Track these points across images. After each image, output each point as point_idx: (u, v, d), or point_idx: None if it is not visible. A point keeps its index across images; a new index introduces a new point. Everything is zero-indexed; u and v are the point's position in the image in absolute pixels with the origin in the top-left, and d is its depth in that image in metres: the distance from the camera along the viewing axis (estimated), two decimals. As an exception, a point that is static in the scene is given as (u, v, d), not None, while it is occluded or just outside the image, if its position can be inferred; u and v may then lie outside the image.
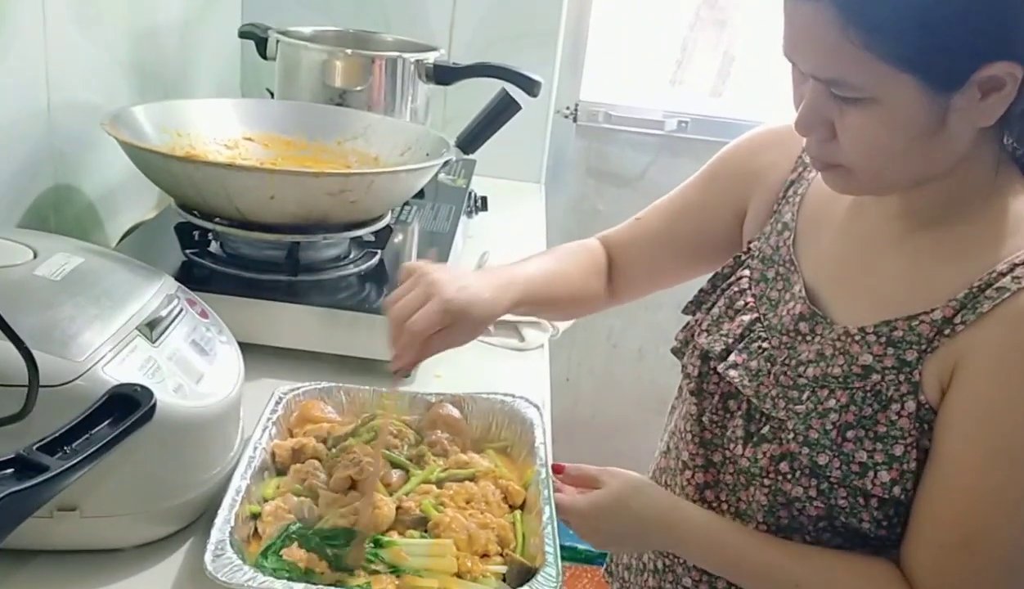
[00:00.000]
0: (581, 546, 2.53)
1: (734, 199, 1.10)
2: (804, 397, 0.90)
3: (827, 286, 0.96)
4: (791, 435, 0.90)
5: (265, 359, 1.17)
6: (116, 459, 0.75)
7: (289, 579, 0.77)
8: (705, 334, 1.03)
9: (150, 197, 1.62)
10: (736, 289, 1.03)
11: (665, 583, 1.06)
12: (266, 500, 0.89)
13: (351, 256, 1.33)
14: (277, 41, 1.66)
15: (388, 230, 1.35)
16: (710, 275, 1.09)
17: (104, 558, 0.84)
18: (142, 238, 1.37)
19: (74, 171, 1.39)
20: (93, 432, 0.71)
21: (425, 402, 1.06)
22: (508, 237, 1.77)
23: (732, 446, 0.97)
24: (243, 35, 1.72)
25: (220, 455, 0.90)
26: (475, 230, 1.74)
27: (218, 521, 0.81)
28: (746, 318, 1.00)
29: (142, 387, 0.75)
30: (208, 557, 0.77)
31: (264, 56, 1.69)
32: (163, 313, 0.89)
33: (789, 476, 0.90)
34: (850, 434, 0.87)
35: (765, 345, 0.97)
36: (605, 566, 1.25)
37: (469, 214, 1.72)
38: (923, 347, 0.85)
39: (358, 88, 1.63)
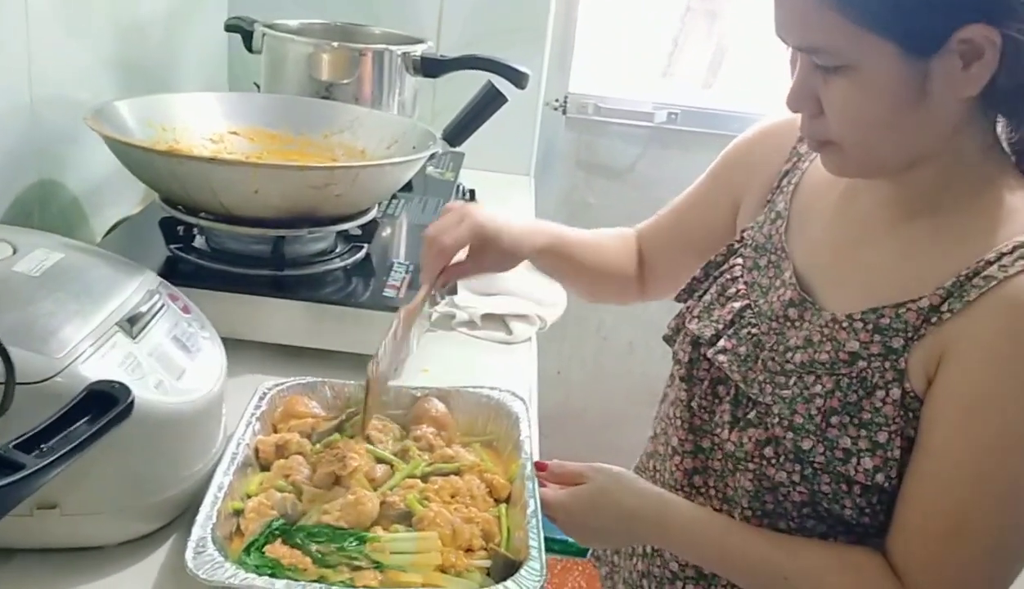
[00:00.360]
0: (584, 546, 2.53)
1: (733, 193, 1.12)
2: (790, 382, 0.91)
3: (817, 273, 0.96)
4: (776, 420, 0.90)
5: (250, 354, 1.16)
6: (96, 456, 0.74)
7: (271, 575, 0.77)
8: (696, 320, 1.03)
9: (135, 192, 1.61)
10: (728, 277, 1.04)
11: (653, 567, 1.06)
12: (249, 496, 0.88)
13: (337, 250, 1.32)
14: (263, 34, 1.65)
15: (374, 224, 1.35)
16: (703, 263, 1.10)
17: (85, 556, 0.84)
18: (127, 233, 1.37)
19: (58, 166, 1.38)
20: (70, 430, 0.71)
21: (410, 396, 1.05)
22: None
23: (719, 431, 0.97)
24: (229, 28, 1.70)
25: (202, 451, 0.90)
26: (463, 223, 1.73)
27: (200, 518, 0.81)
28: (737, 304, 1.00)
29: (120, 384, 0.75)
30: (189, 554, 0.76)
31: (250, 49, 1.68)
32: (144, 309, 0.88)
33: (773, 461, 0.91)
34: (834, 420, 0.87)
35: (755, 331, 0.97)
36: (591, 551, 1.25)
37: (457, 207, 1.72)
38: (909, 334, 0.85)
39: (345, 81, 1.62)
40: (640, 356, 2.60)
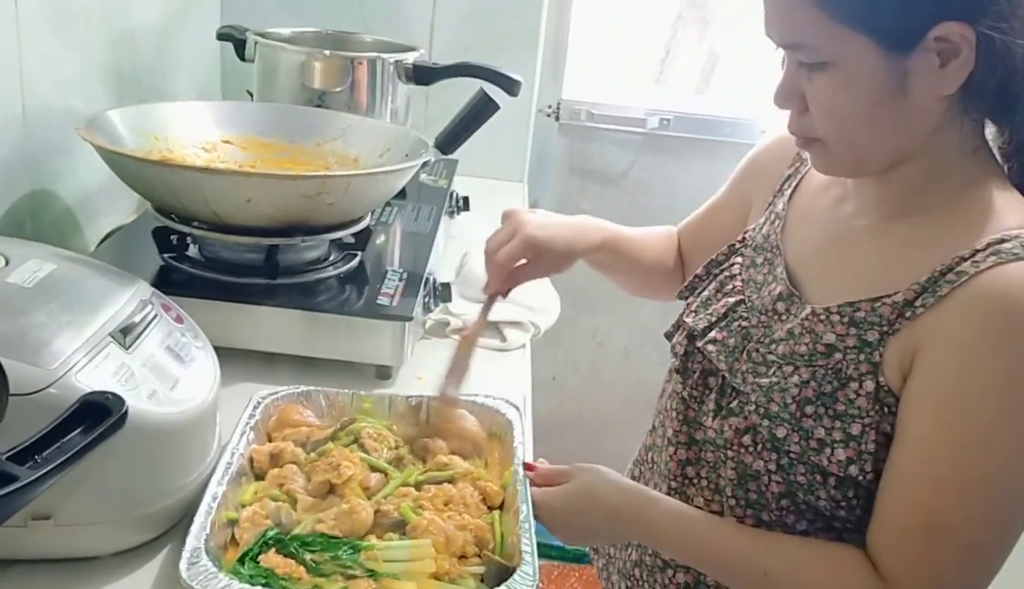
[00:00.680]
0: (570, 546, 2.53)
1: (746, 198, 1.15)
2: (770, 372, 0.93)
3: (806, 270, 0.99)
4: (753, 407, 0.93)
5: (244, 363, 1.16)
6: (90, 467, 0.74)
7: (265, 585, 0.77)
8: (694, 314, 1.07)
9: (129, 202, 1.61)
10: (727, 274, 1.07)
11: (645, 556, 1.08)
12: (244, 506, 0.88)
13: (331, 258, 1.33)
14: (255, 43, 1.65)
15: (368, 232, 1.35)
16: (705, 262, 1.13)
17: (80, 566, 0.84)
18: (120, 243, 1.37)
19: (51, 177, 1.38)
20: (64, 441, 0.71)
21: (401, 403, 1.05)
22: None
23: (705, 420, 1.00)
24: (221, 37, 1.71)
25: (196, 461, 0.90)
26: (457, 230, 1.74)
27: (194, 528, 0.81)
28: (732, 299, 1.03)
29: (114, 395, 0.75)
30: (183, 565, 0.76)
31: (243, 58, 1.68)
32: (137, 319, 0.88)
33: (751, 449, 0.93)
34: (809, 409, 0.89)
35: (745, 324, 1.00)
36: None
37: (451, 214, 1.72)
38: (884, 328, 0.86)
39: (337, 89, 1.62)
40: (635, 361, 2.60)
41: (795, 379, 0.90)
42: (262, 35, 1.67)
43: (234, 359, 1.11)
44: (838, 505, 0.89)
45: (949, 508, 0.82)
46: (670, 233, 1.30)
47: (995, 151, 0.91)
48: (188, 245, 1.28)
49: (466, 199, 1.80)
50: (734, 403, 0.96)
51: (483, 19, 2.09)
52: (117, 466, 0.80)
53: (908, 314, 0.85)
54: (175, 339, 0.92)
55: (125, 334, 0.86)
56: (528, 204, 2.11)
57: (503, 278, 1.12)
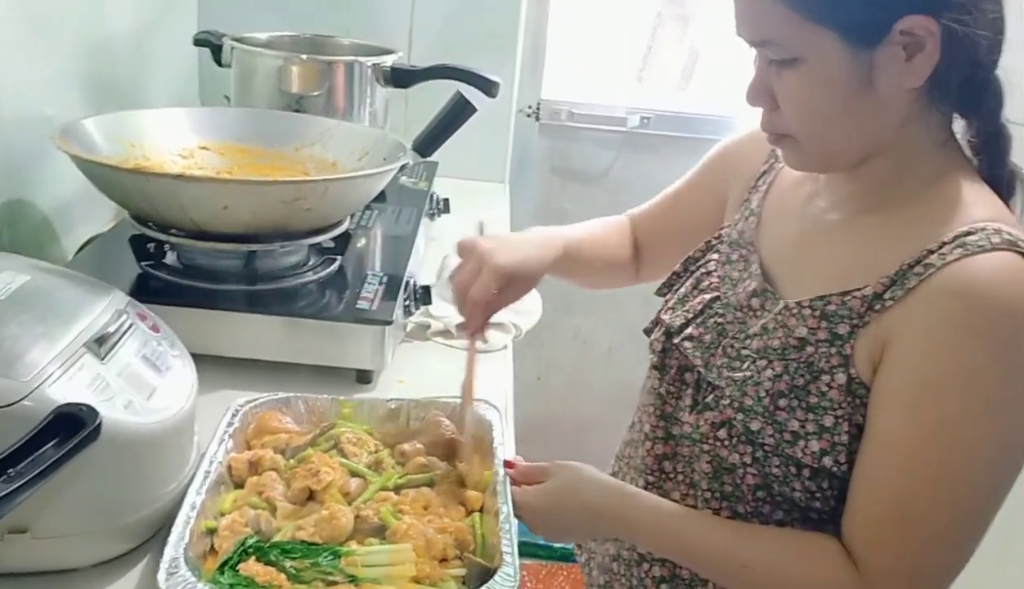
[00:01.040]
0: (558, 544, 2.53)
1: (715, 191, 1.16)
2: (744, 366, 0.94)
3: (780, 266, 1.00)
4: (727, 401, 0.93)
5: (224, 370, 1.16)
6: (66, 478, 0.74)
7: (244, 594, 0.77)
8: (671, 311, 1.07)
9: (106, 209, 1.60)
10: (704, 271, 1.08)
11: (623, 550, 1.09)
12: (223, 514, 0.88)
13: (310, 263, 1.32)
14: (232, 48, 1.64)
15: (347, 235, 1.35)
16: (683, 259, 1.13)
17: (58, 579, 0.83)
18: (98, 251, 1.36)
19: (27, 186, 1.38)
20: (38, 453, 0.71)
21: (386, 409, 1.05)
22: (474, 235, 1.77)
23: (681, 415, 1.01)
24: (198, 43, 1.70)
25: (174, 471, 0.89)
26: (438, 232, 1.74)
27: (172, 538, 0.80)
28: (708, 296, 1.04)
29: (87, 406, 0.74)
30: (162, 576, 0.76)
31: (219, 63, 1.68)
32: (112, 329, 0.88)
33: (726, 442, 0.94)
34: (782, 402, 0.90)
35: (720, 320, 1.01)
36: None
37: (431, 216, 1.72)
38: (854, 321, 0.87)
39: (315, 93, 1.62)
40: (619, 360, 2.61)
41: (768, 373, 0.91)
42: (239, 40, 1.66)
43: (214, 366, 1.10)
44: (813, 496, 0.90)
45: (919, 499, 0.82)
46: (621, 223, 1.30)
47: (964, 145, 0.91)
48: (166, 253, 1.28)
49: (446, 201, 1.80)
50: (709, 398, 0.97)
51: (462, 20, 2.09)
52: (94, 477, 0.80)
53: (877, 307, 0.86)
54: (151, 348, 0.92)
55: (100, 344, 0.85)
56: (510, 204, 2.10)
57: (479, 318, 1.07)
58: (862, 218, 0.93)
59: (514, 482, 0.95)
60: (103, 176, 1.18)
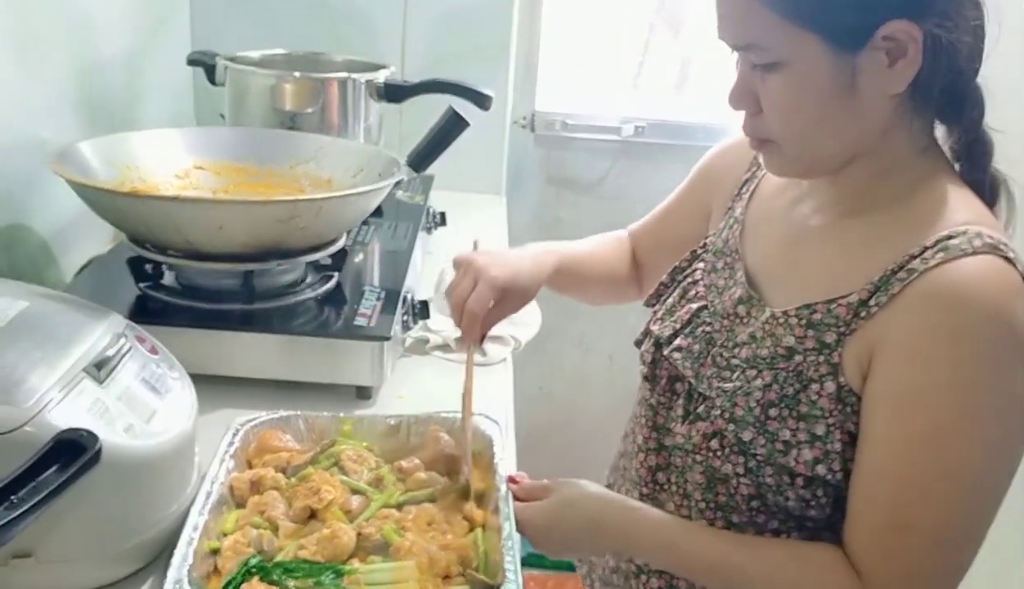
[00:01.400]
0: (553, 558, 2.52)
1: (704, 202, 1.17)
2: (734, 376, 0.94)
3: (764, 273, 1.00)
4: (718, 412, 0.94)
5: (224, 389, 1.16)
6: (69, 503, 0.74)
7: (248, 614, 0.77)
8: (659, 322, 1.08)
9: (104, 232, 1.60)
10: (690, 280, 1.08)
11: (621, 562, 1.09)
12: (225, 535, 0.88)
13: (308, 280, 1.33)
14: (225, 68, 1.65)
15: (344, 252, 1.35)
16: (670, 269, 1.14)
17: (63, 603, 0.83)
18: (96, 274, 1.36)
19: (24, 210, 1.38)
20: (39, 479, 0.71)
21: (380, 423, 1.05)
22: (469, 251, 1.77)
23: (673, 426, 1.01)
24: (192, 63, 1.71)
25: (176, 492, 0.90)
26: (435, 246, 1.74)
27: (175, 559, 0.81)
28: (695, 306, 1.05)
29: (87, 431, 0.75)
30: (165, 597, 0.76)
31: (213, 82, 1.68)
32: (110, 353, 0.88)
33: (719, 453, 0.94)
34: (773, 412, 0.90)
35: (708, 329, 1.01)
36: None
37: (428, 230, 1.72)
38: (841, 329, 0.87)
39: (308, 110, 1.63)
40: (621, 367, 2.61)
41: (758, 382, 0.91)
42: (232, 59, 1.67)
43: (214, 386, 1.11)
44: (808, 504, 0.90)
45: (915, 506, 0.82)
46: (620, 238, 1.31)
47: (946, 151, 0.92)
48: (164, 273, 1.28)
49: (443, 214, 1.80)
50: (701, 408, 0.97)
51: (454, 33, 2.09)
52: (97, 501, 0.80)
53: (863, 314, 0.86)
54: (150, 371, 0.92)
55: (99, 368, 0.86)
56: (507, 216, 2.11)
57: (476, 330, 1.09)
58: (845, 222, 0.93)
59: (517, 498, 0.96)
60: (99, 200, 1.18)
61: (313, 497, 0.91)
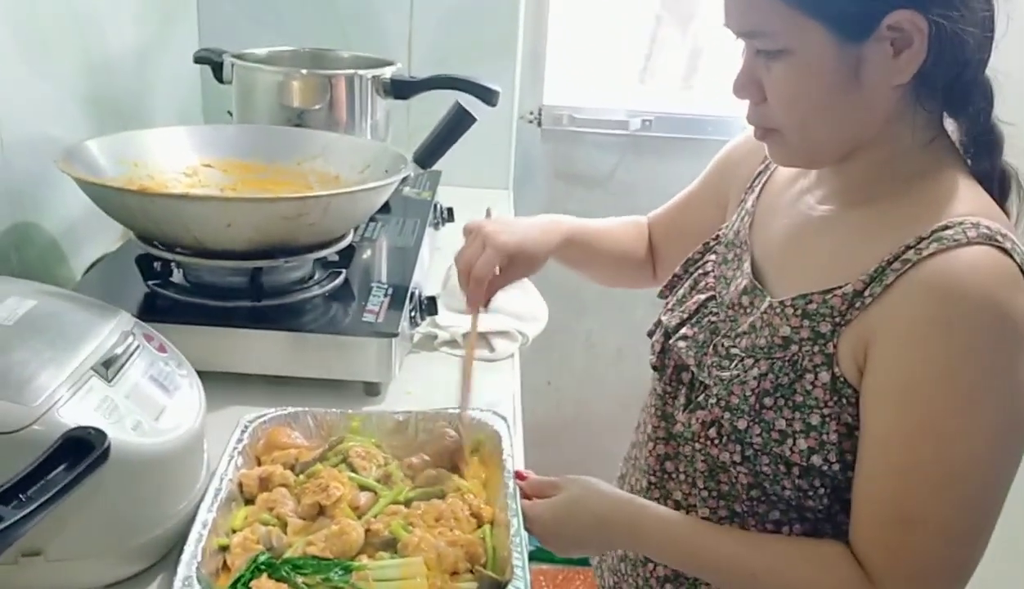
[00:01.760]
0: (562, 556, 2.53)
1: (720, 194, 1.17)
2: (732, 365, 0.94)
3: (770, 263, 1.00)
4: (715, 400, 0.94)
5: (232, 386, 1.16)
6: (78, 501, 0.74)
7: (257, 611, 0.77)
8: (669, 312, 1.09)
9: (113, 229, 1.60)
10: (701, 272, 1.09)
11: (629, 552, 1.09)
12: (234, 531, 0.89)
13: (315, 277, 1.33)
14: (232, 65, 1.65)
15: (352, 248, 1.35)
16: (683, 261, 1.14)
17: (72, 601, 0.84)
18: (105, 271, 1.37)
19: (33, 209, 1.39)
20: (48, 478, 0.71)
21: (388, 419, 1.06)
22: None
23: (676, 414, 1.02)
24: (198, 60, 1.71)
25: (185, 489, 0.90)
26: (442, 242, 1.74)
27: (185, 557, 0.81)
28: (703, 296, 1.05)
29: (96, 430, 0.75)
30: (174, 594, 0.76)
31: (221, 80, 1.68)
32: (119, 351, 0.88)
33: (716, 441, 0.94)
34: (768, 401, 0.90)
35: (713, 319, 1.02)
36: None
37: (436, 226, 1.72)
38: (837, 320, 0.87)
39: (316, 107, 1.63)
40: (629, 361, 2.61)
41: (754, 372, 0.91)
42: (239, 57, 1.67)
43: (222, 383, 1.11)
44: (805, 495, 0.91)
45: (918, 499, 0.82)
46: (639, 223, 1.32)
47: (956, 143, 0.91)
48: (172, 271, 1.28)
49: (450, 210, 1.80)
50: (700, 397, 0.97)
51: (461, 29, 2.09)
52: (106, 499, 0.81)
53: (858, 305, 0.86)
54: (158, 369, 0.92)
55: (107, 367, 0.86)
56: (515, 211, 2.11)
57: (481, 294, 1.11)
58: (848, 213, 0.93)
59: (525, 495, 0.96)
60: (107, 198, 1.18)
61: (322, 494, 0.91)
